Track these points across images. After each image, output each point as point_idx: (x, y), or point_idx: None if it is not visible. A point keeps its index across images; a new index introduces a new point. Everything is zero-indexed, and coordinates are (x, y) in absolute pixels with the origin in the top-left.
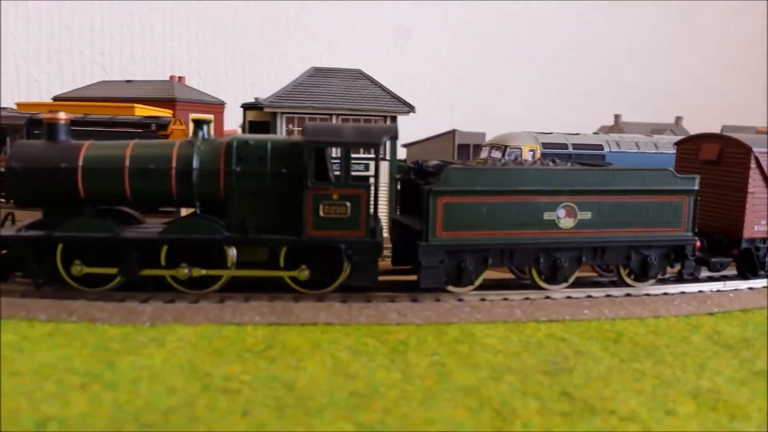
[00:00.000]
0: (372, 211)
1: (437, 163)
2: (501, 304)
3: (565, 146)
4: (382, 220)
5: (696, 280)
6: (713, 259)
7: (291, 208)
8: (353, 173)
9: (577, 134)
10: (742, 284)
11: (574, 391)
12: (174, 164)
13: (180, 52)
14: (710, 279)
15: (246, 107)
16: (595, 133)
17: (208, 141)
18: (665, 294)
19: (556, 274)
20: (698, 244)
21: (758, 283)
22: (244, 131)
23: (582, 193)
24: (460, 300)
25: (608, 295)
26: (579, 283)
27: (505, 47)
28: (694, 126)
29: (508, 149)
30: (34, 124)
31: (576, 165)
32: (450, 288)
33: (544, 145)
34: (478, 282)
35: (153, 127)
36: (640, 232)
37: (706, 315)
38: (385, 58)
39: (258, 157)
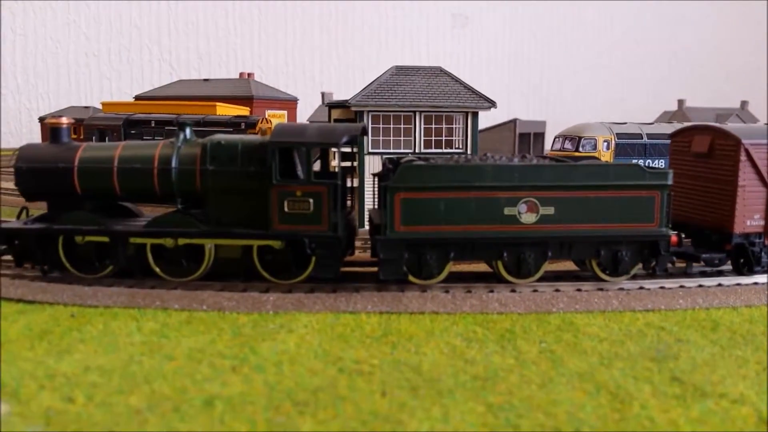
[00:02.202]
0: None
1: (408, 160)
2: (597, 294)
3: (639, 136)
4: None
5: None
6: (704, 255)
7: (262, 204)
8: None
9: (651, 124)
10: None
11: (682, 376)
12: (156, 164)
13: (243, 49)
14: (704, 274)
15: (331, 106)
16: (667, 120)
17: (188, 142)
18: (756, 284)
19: (521, 268)
20: (674, 238)
21: None
22: None
23: (543, 188)
24: (557, 291)
25: (700, 285)
26: (671, 275)
27: (564, 33)
28: (762, 111)
29: (582, 140)
30: (130, 124)
31: (542, 161)
32: (413, 280)
33: (618, 136)
34: (443, 275)
35: (243, 126)
36: (609, 227)
37: None
38: (444, 47)
39: (229, 157)
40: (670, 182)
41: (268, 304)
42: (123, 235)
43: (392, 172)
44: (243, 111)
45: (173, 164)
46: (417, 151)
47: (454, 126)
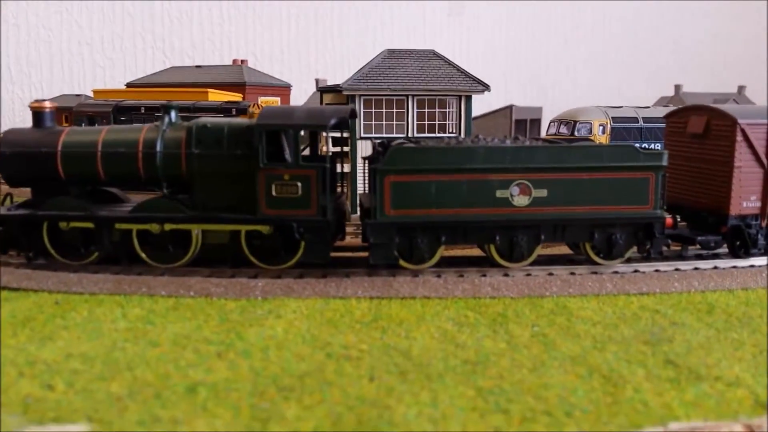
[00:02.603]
0: (335, 189)
1: (398, 142)
2: (591, 277)
3: (635, 120)
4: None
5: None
6: (700, 238)
7: (249, 188)
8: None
9: (647, 107)
10: None
11: (677, 359)
12: (141, 148)
13: (237, 36)
14: (700, 257)
15: (323, 90)
16: (663, 104)
17: (173, 125)
18: (752, 266)
19: (513, 252)
20: (669, 221)
21: None
22: None
23: (536, 170)
24: (551, 274)
25: (696, 268)
26: (667, 257)
27: (561, 18)
28: (759, 95)
29: (577, 124)
30: (120, 111)
31: (535, 142)
32: (404, 264)
33: (614, 120)
34: (435, 259)
35: (234, 112)
36: (603, 209)
37: None
38: (440, 34)
39: (216, 140)
40: (664, 163)
41: (256, 290)
42: (108, 220)
43: (382, 155)
44: (236, 97)
45: (158, 148)
46: (410, 135)
47: (447, 110)
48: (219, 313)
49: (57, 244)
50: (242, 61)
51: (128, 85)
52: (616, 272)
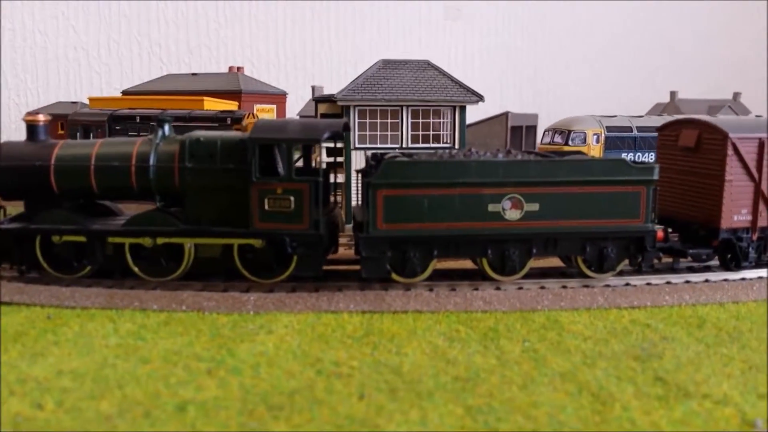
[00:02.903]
0: (327, 202)
1: (391, 156)
2: (583, 291)
3: (629, 129)
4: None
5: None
6: (691, 251)
7: (242, 202)
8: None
9: (641, 116)
10: None
11: (666, 375)
12: (134, 161)
13: (234, 42)
14: (691, 269)
15: (318, 100)
16: (657, 113)
17: (167, 139)
18: (743, 279)
19: (505, 266)
20: (660, 234)
21: None
22: None
23: (527, 184)
24: (542, 288)
25: (687, 281)
26: (658, 270)
27: (556, 25)
28: (754, 102)
29: (571, 134)
30: (115, 120)
31: (527, 156)
32: (396, 278)
33: (608, 129)
34: (427, 273)
35: (228, 121)
36: (594, 223)
37: None
38: (436, 39)
39: (208, 154)
40: (656, 177)
41: (248, 304)
42: (101, 234)
43: (375, 168)
44: (231, 105)
45: (151, 162)
46: (404, 145)
47: (441, 120)
48: (210, 329)
49: (50, 258)
50: (239, 69)
51: (124, 92)
52: (608, 285)
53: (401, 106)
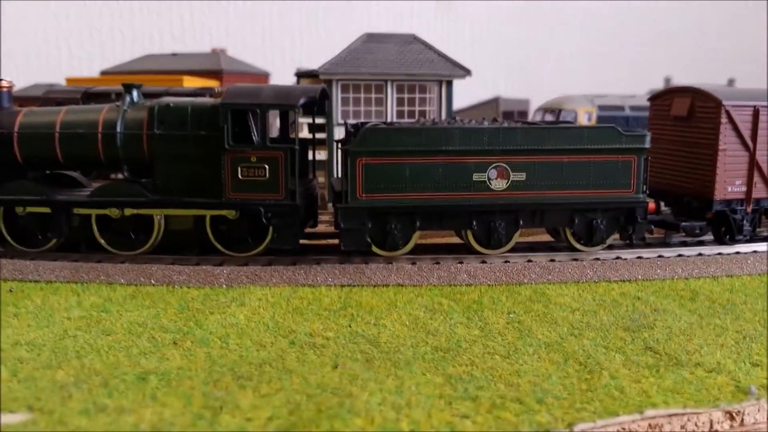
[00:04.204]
0: (307, 173)
1: (372, 124)
2: (571, 264)
3: (621, 108)
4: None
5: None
6: (684, 224)
7: (214, 171)
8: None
9: (634, 96)
10: None
11: (657, 345)
12: (100, 129)
13: (219, 27)
14: (684, 244)
15: (300, 75)
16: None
17: (135, 105)
18: (738, 253)
19: (491, 238)
20: (652, 206)
21: None
22: None
23: (514, 153)
24: (530, 261)
25: (680, 255)
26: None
27: (550, 11)
28: (749, 87)
29: (562, 112)
30: (89, 97)
31: (510, 124)
32: (377, 251)
33: (600, 108)
34: (409, 246)
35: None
36: (583, 194)
37: None
38: (428, 26)
39: (179, 121)
40: (647, 146)
41: (221, 278)
42: (66, 205)
43: (354, 136)
44: (213, 85)
45: (118, 129)
46: (389, 121)
47: (427, 95)
48: (180, 302)
49: (14, 231)
50: (221, 50)
51: (103, 72)
52: (597, 259)
53: (386, 81)
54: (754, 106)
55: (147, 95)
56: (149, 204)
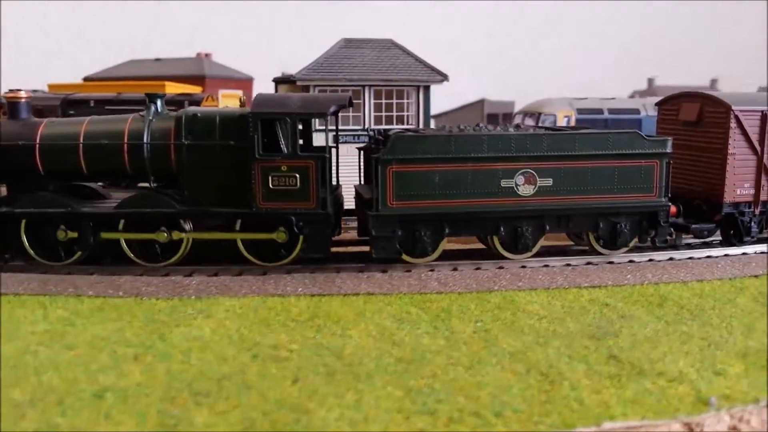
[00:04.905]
0: (332, 181)
1: (396, 131)
2: (542, 270)
3: (600, 111)
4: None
5: (740, 243)
6: (693, 226)
7: (243, 181)
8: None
9: (613, 99)
10: None
11: (621, 354)
12: (126, 139)
13: (207, 30)
14: (690, 246)
15: (278, 81)
16: (632, 96)
17: (160, 115)
18: (709, 257)
19: (518, 243)
20: (673, 209)
21: None
22: None
23: (541, 159)
24: (501, 268)
25: (651, 260)
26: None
27: (537, 13)
28: (730, 88)
29: (542, 116)
30: (69, 104)
31: (537, 130)
32: (406, 258)
33: (579, 111)
34: (437, 252)
35: (186, 104)
36: (608, 198)
37: (751, 277)
38: (416, 28)
39: (207, 130)
40: (669, 150)
41: (190, 289)
42: (93, 218)
43: (382, 144)
44: (195, 90)
45: (145, 139)
46: (366, 127)
47: (405, 101)
48: (146, 314)
49: (34, 244)
50: (206, 55)
51: (86, 78)
52: (568, 265)
53: (363, 86)
54: (762, 112)
55: (123, 102)
56: (179, 215)
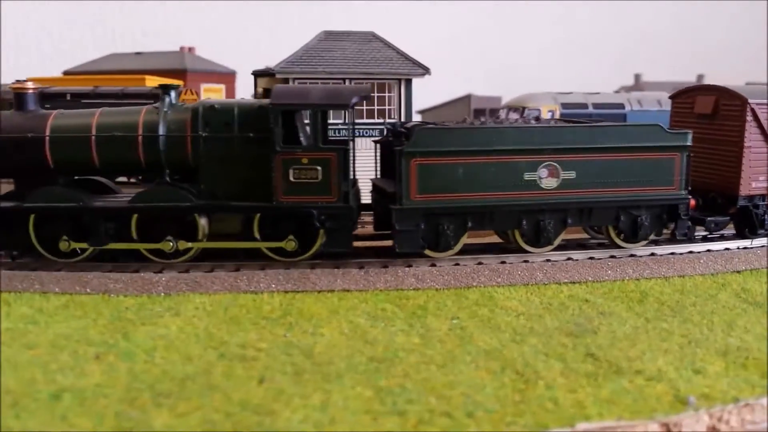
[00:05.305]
0: (350, 175)
1: (414, 123)
2: (521, 266)
3: (585, 106)
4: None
5: (722, 238)
6: (709, 218)
7: (262, 174)
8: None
9: (598, 93)
10: None
11: (598, 351)
12: (140, 131)
13: (191, 24)
14: (706, 239)
15: (257, 74)
16: (617, 91)
17: (175, 107)
18: (690, 252)
19: (540, 237)
20: (692, 202)
21: None
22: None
23: (564, 151)
24: (480, 264)
25: (632, 255)
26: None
27: (524, 8)
28: (717, 84)
29: (526, 110)
30: (44, 98)
31: (560, 122)
32: (428, 253)
33: (564, 105)
34: (458, 246)
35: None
36: (629, 191)
37: (733, 273)
38: (402, 22)
39: (225, 122)
40: (689, 143)
41: (159, 285)
42: (106, 212)
43: (404, 136)
44: (176, 84)
45: (161, 131)
46: (347, 121)
47: (387, 94)
48: (113, 311)
49: (41, 240)
50: (190, 49)
51: (65, 72)
52: (548, 260)
53: (343, 79)
54: None
55: (100, 95)
56: (196, 209)
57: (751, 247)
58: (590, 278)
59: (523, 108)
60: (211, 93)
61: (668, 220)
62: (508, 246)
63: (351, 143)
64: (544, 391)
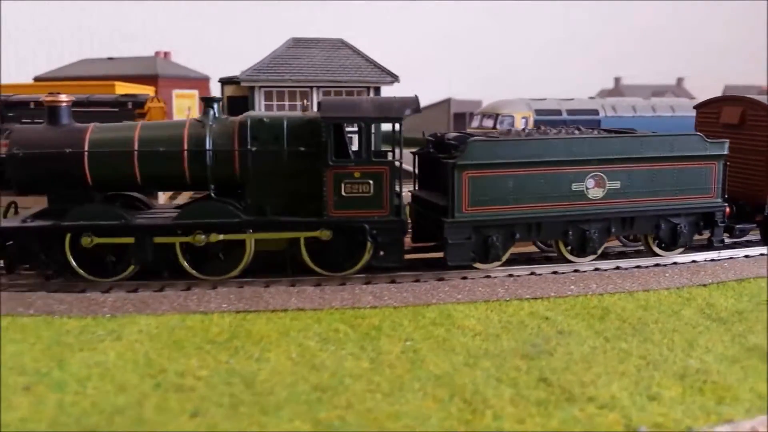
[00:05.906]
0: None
1: (458, 135)
2: (482, 282)
3: (558, 112)
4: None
5: (691, 249)
6: (738, 226)
7: (312, 188)
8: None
9: (572, 99)
10: (739, 252)
11: (552, 376)
12: (186, 146)
13: (169, 29)
14: (735, 245)
15: (224, 81)
16: (591, 97)
17: (219, 120)
18: (657, 266)
19: (585, 247)
20: (727, 210)
21: (755, 251)
22: (222, 106)
23: (610, 161)
24: (441, 279)
25: (596, 269)
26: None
27: (503, 12)
28: (696, 87)
29: (499, 117)
30: (7, 106)
31: (604, 132)
32: (477, 265)
33: (537, 112)
34: (505, 257)
35: (130, 106)
36: (670, 200)
37: (699, 286)
38: (378, 27)
39: (274, 136)
40: (726, 152)
41: (105, 306)
42: (153, 230)
43: (453, 148)
44: (147, 90)
45: (208, 145)
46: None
47: None
48: (53, 335)
49: (77, 258)
50: (165, 54)
51: (36, 78)
52: (510, 275)
53: (311, 87)
54: None
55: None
56: (244, 225)
57: (718, 260)
58: (553, 293)
59: (497, 114)
60: (184, 99)
61: (704, 228)
62: (538, 255)
63: (400, 156)
64: (491, 421)
